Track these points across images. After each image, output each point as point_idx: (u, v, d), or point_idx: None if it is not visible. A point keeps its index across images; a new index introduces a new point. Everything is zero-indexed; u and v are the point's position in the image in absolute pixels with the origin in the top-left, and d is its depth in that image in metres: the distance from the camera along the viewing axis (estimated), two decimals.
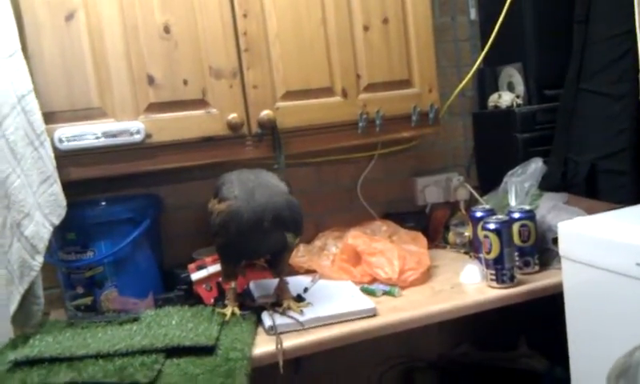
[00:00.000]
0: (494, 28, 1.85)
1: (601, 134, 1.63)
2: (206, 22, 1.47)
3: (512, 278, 1.44)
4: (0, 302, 1.40)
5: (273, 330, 1.29)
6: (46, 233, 1.30)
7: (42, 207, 1.30)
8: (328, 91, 1.61)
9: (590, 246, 1.22)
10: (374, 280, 1.55)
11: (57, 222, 1.31)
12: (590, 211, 1.44)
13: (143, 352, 1.18)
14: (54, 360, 1.17)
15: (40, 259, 1.30)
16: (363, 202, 1.93)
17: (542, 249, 1.53)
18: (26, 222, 1.29)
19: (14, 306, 1.32)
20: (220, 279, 1.46)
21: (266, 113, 1.53)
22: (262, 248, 1.38)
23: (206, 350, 1.20)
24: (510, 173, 1.70)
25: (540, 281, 1.47)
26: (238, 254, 1.39)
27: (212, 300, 1.46)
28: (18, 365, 1.17)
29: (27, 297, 1.32)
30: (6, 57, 1.28)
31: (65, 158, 1.36)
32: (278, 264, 1.43)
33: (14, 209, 1.29)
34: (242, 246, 1.33)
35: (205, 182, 1.65)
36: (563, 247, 1.29)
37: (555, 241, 1.45)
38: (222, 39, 1.49)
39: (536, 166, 1.68)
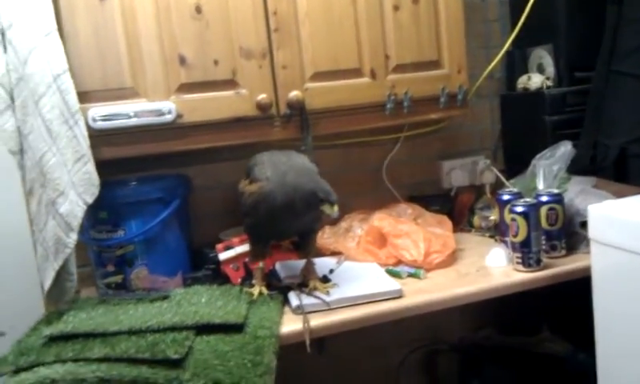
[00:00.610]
0: (524, 9, 1.82)
1: (631, 117, 1.61)
2: (236, 1, 1.47)
3: (538, 261, 1.44)
4: (33, 280, 1.43)
5: (300, 310, 1.31)
6: (79, 211, 1.32)
7: (76, 186, 1.32)
8: (356, 72, 1.60)
9: (619, 229, 1.21)
10: (400, 262, 1.55)
11: (90, 200, 1.33)
12: (619, 195, 1.42)
13: (174, 329, 1.20)
14: (87, 335, 1.19)
15: (74, 237, 1.32)
16: (388, 184, 1.93)
17: (569, 233, 1.52)
18: (61, 200, 1.31)
19: (48, 283, 1.35)
20: (247, 259, 1.48)
21: (294, 93, 1.53)
22: (292, 229, 1.40)
23: (235, 328, 1.22)
24: (538, 156, 1.67)
25: (567, 265, 1.46)
26: (268, 235, 1.40)
27: (239, 279, 1.48)
28: (53, 340, 1.19)
29: (61, 273, 1.35)
30: (42, 36, 1.29)
31: (97, 138, 1.38)
32: (306, 245, 1.44)
33: (50, 187, 1.31)
34: (273, 227, 1.34)
35: (233, 163, 1.67)
36: (593, 230, 1.28)
37: (583, 225, 1.45)
38: (252, 19, 1.49)
39: (565, 149, 1.65)
